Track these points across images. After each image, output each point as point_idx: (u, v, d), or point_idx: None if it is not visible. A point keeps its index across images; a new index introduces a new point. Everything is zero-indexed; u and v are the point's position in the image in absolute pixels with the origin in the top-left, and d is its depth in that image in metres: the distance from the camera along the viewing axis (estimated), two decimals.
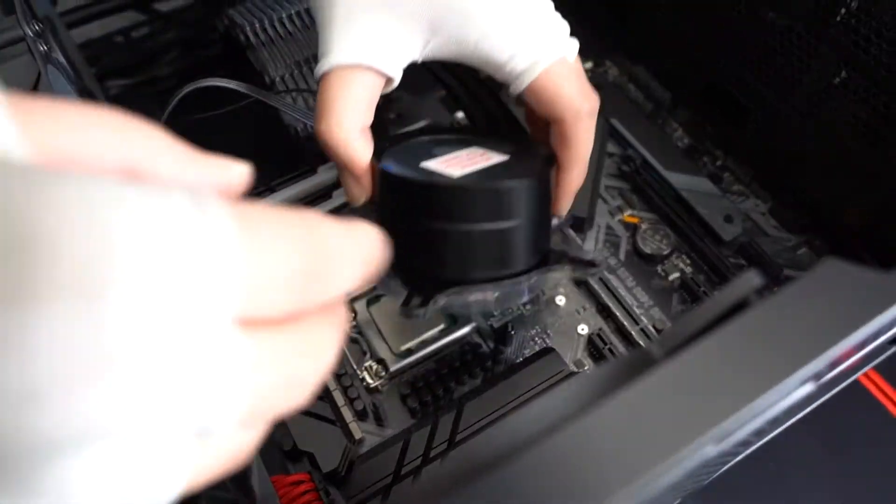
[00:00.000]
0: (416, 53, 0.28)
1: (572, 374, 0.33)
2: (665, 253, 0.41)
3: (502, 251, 0.27)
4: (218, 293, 0.11)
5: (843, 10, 0.35)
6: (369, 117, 0.28)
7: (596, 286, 0.40)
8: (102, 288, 0.10)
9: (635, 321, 0.38)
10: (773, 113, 0.41)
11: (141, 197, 0.11)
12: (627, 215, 0.43)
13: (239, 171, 0.15)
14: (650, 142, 0.44)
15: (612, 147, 0.45)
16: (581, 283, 0.40)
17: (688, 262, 0.41)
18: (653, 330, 0.38)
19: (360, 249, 0.15)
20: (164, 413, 0.11)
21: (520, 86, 0.28)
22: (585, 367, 0.38)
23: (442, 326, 0.38)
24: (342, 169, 0.28)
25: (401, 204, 0.28)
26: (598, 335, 0.38)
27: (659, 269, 0.41)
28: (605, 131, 0.44)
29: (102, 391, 0.10)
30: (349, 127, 0.27)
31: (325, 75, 0.27)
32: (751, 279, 0.18)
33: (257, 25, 0.38)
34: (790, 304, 0.17)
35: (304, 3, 0.41)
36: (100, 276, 0.10)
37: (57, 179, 0.11)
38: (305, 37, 0.38)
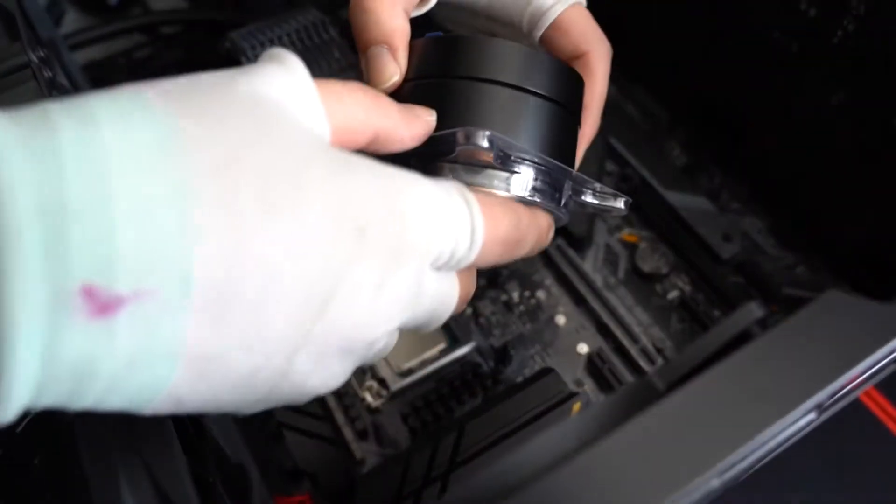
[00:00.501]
0: None
1: (573, 394, 0.33)
2: (664, 272, 0.41)
3: (550, 129, 0.26)
4: (476, 243, 0.21)
5: (839, 32, 0.35)
6: (410, 8, 0.27)
7: (595, 305, 0.40)
8: (427, 251, 0.19)
9: (634, 340, 0.38)
10: (771, 132, 0.42)
11: (440, 196, 0.20)
12: (626, 234, 0.43)
13: (427, 118, 0.23)
14: (648, 160, 0.44)
15: (610, 165, 0.45)
16: (581, 302, 0.40)
17: (687, 280, 0.41)
18: (652, 349, 0.38)
19: (541, 228, 0.25)
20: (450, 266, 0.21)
21: (552, 15, 0.29)
22: (585, 387, 0.38)
23: (442, 346, 0.38)
24: (378, 44, 0.26)
25: (448, 67, 0.25)
26: (598, 354, 0.38)
27: (658, 287, 0.41)
28: (604, 150, 0.45)
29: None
30: None
31: None
32: (752, 311, 0.18)
33: (259, 49, 0.38)
34: (792, 337, 0.17)
35: (304, 20, 0.41)
36: (431, 246, 0.19)
37: (407, 177, 0.19)
38: (307, 64, 0.38)
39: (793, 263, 0.42)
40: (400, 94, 0.26)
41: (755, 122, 0.43)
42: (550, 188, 0.26)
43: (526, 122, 0.25)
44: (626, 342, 0.38)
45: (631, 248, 0.42)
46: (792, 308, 0.40)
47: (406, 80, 0.26)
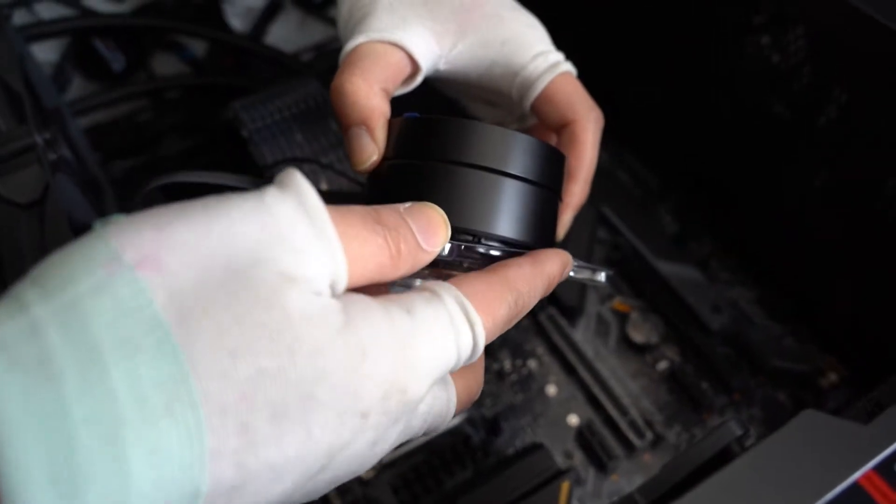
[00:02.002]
0: (445, 52, 0.30)
1: (561, 472, 0.33)
2: (654, 342, 0.42)
3: (525, 211, 0.26)
4: (478, 344, 0.21)
5: (822, 118, 0.36)
6: (392, 87, 0.28)
7: (585, 376, 0.40)
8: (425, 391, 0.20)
9: (624, 413, 0.39)
10: (760, 204, 0.43)
11: (446, 339, 0.20)
12: (617, 303, 0.44)
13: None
14: (639, 228, 0.45)
15: (602, 233, 0.46)
16: (571, 372, 0.41)
17: (676, 351, 0.42)
18: (641, 422, 0.39)
19: (543, 278, 0.24)
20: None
21: (541, 85, 0.30)
22: (574, 459, 0.38)
23: None
24: (357, 125, 0.26)
25: (425, 149, 0.26)
26: (588, 427, 0.38)
27: (648, 358, 0.42)
28: (595, 218, 0.46)
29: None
30: (373, 80, 0.27)
31: (356, 46, 0.28)
32: (731, 430, 0.18)
33: (259, 123, 0.39)
34: (769, 460, 0.18)
35: (304, 92, 0.42)
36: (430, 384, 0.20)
37: (415, 337, 0.19)
38: (305, 137, 0.39)
39: (781, 334, 0.43)
40: (379, 173, 0.27)
41: (744, 194, 0.44)
42: None
43: (499, 204, 0.25)
44: (615, 414, 0.39)
45: (622, 317, 0.43)
46: (778, 381, 0.41)
47: (385, 158, 0.27)
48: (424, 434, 0.22)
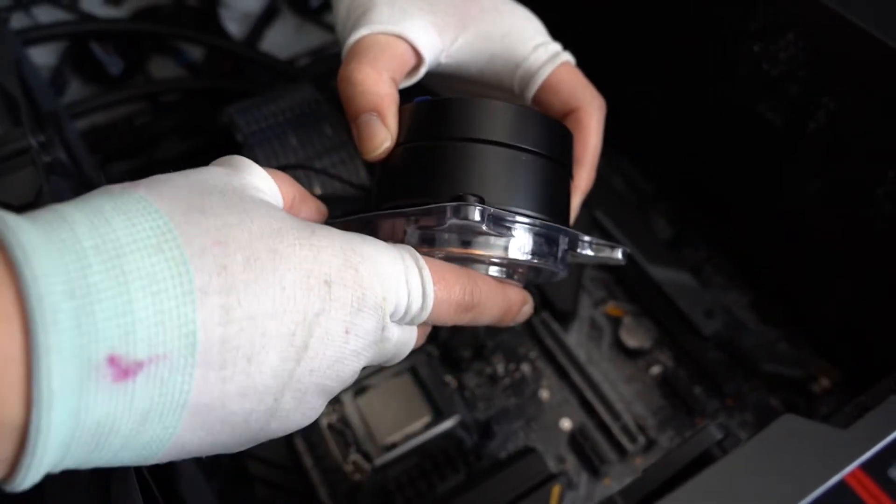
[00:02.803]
0: (446, 45, 0.30)
1: (552, 476, 0.34)
2: (647, 347, 0.42)
3: (543, 184, 0.26)
4: (427, 303, 0.24)
5: (812, 124, 0.36)
6: (398, 77, 0.28)
7: (578, 380, 0.40)
8: (384, 305, 0.22)
9: (616, 417, 0.39)
10: (754, 210, 0.43)
11: (391, 256, 0.23)
12: (611, 307, 0.44)
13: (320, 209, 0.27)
14: (633, 234, 0.45)
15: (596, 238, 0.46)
16: (564, 377, 0.41)
17: (669, 355, 0.42)
18: (634, 426, 0.39)
19: (510, 301, 0.27)
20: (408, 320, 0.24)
21: (542, 75, 0.30)
22: (567, 463, 0.38)
23: (427, 420, 0.38)
24: (368, 112, 0.27)
25: (440, 129, 0.26)
26: (581, 431, 0.38)
27: (641, 362, 0.42)
28: (590, 223, 0.46)
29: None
30: (381, 68, 0.27)
31: (360, 38, 0.28)
32: (712, 434, 0.18)
33: (254, 127, 0.40)
34: (748, 463, 0.18)
35: (299, 97, 0.42)
36: (385, 302, 0.22)
37: (361, 239, 0.23)
38: (300, 141, 0.40)
39: (774, 339, 0.43)
40: (391, 159, 0.27)
41: (738, 200, 0.44)
42: (546, 246, 0.26)
43: (517, 179, 0.25)
44: (607, 419, 0.39)
45: (615, 321, 0.43)
46: (771, 386, 0.41)
47: (397, 144, 0.27)
48: (389, 362, 0.25)
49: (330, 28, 0.54)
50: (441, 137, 0.25)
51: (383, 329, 0.23)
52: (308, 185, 0.38)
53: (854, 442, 0.19)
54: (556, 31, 0.33)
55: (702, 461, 0.19)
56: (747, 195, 0.43)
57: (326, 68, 0.50)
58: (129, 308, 0.17)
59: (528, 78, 0.30)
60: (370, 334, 0.22)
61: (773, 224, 0.42)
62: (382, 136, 0.26)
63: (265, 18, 0.52)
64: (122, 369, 0.16)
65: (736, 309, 0.44)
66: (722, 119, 0.42)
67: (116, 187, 0.20)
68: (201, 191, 0.20)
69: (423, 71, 0.30)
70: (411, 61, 0.29)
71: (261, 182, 0.23)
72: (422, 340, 0.26)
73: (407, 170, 0.26)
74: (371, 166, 0.29)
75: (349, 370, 0.22)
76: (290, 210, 0.24)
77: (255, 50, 0.51)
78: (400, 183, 0.26)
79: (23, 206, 0.29)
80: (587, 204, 0.47)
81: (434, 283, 0.23)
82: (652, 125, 0.48)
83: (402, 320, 0.24)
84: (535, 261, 0.26)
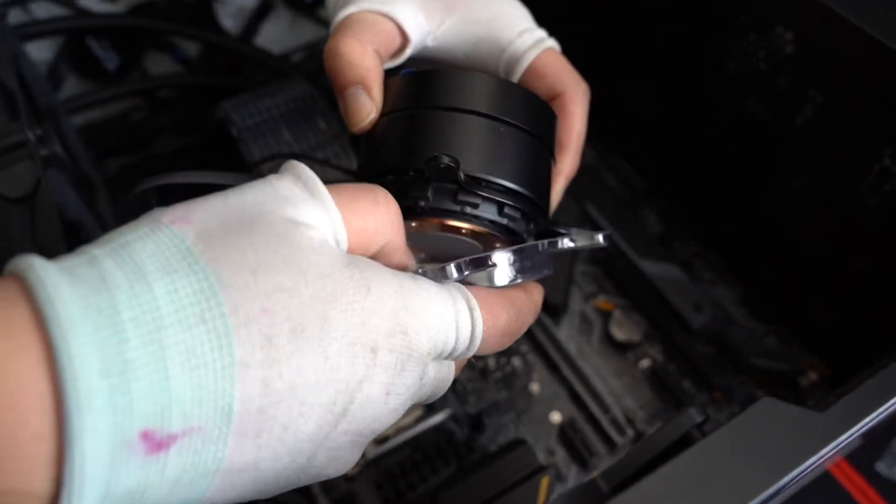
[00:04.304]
0: (433, 28, 0.30)
1: (541, 468, 0.34)
2: (637, 341, 0.42)
3: (519, 158, 0.26)
4: (475, 343, 0.23)
5: (799, 118, 0.37)
6: (384, 53, 0.28)
7: (568, 374, 0.41)
8: (428, 357, 0.21)
9: (605, 410, 0.39)
10: (743, 206, 0.43)
11: (443, 303, 0.22)
12: (601, 301, 0.44)
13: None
14: (624, 228, 0.46)
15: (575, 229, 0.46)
16: (555, 370, 0.41)
17: (659, 349, 0.42)
18: (623, 419, 0.39)
19: (537, 305, 0.27)
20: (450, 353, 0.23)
21: (527, 59, 0.30)
22: (556, 456, 0.38)
23: (418, 413, 0.39)
24: (353, 84, 0.27)
25: (424, 99, 0.26)
26: (570, 424, 0.39)
27: (630, 356, 0.42)
28: (580, 216, 0.46)
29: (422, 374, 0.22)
30: (367, 42, 0.27)
31: (348, 15, 0.28)
32: (692, 417, 0.19)
33: (248, 122, 0.40)
34: (726, 444, 0.18)
35: (293, 92, 0.43)
36: (429, 354, 0.21)
37: (414, 290, 0.21)
38: (294, 136, 0.40)
39: (763, 334, 0.43)
40: (376, 130, 0.27)
41: (728, 196, 0.44)
42: (523, 220, 0.26)
43: (495, 149, 0.25)
44: (597, 412, 0.39)
45: (605, 315, 0.44)
46: (759, 380, 0.41)
47: (381, 115, 0.27)
48: (428, 401, 0.24)
49: (325, 23, 0.54)
50: (422, 106, 0.26)
51: (422, 376, 0.22)
52: None
53: (831, 425, 0.19)
54: (546, 27, 0.34)
55: (682, 443, 0.19)
56: (736, 191, 0.43)
57: (321, 63, 0.50)
58: (166, 385, 0.16)
59: (514, 62, 0.31)
60: (410, 389, 0.21)
61: (762, 219, 0.42)
62: (368, 108, 0.27)
63: (260, 13, 0.52)
64: (156, 443, 0.16)
65: (725, 303, 0.44)
66: (711, 114, 0.42)
67: (166, 218, 0.19)
68: (256, 237, 0.19)
69: (408, 52, 0.30)
70: (397, 40, 0.29)
71: (327, 216, 0.21)
72: (458, 372, 0.26)
73: (388, 139, 0.27)
74: (358, 142, 0.29)
75: (385, 425, 0.21)
76: (358, 247, 0.22)
77: (250, 45, 0.51)
78: (381, 151, 0.26)
79: (20, 199, 0.29)
80: (576, 198, 0.48)
81: (483, 319, 0.23)
82: (643, 121, 0.49)
83: (442, 356, 0.23)
84: (512, 227, 0.26)
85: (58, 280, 0.16)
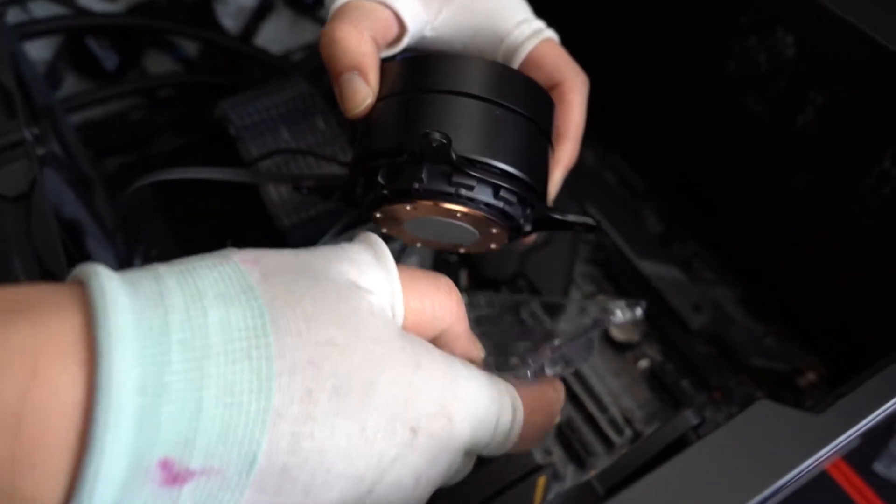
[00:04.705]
0: (431, 18, 0.30)
1: (538, 467, 0.34)
2: (636, 340, 0.42)
3: (515, 142, 0.26)
4: (508, 443, 0.22)
5: (800, 118, 0.37)
6: (380, 41, 0.28)
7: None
8: (465, 445, 0.21)
9: (603, 410, 0.39)
10: (743, 206, 0.43)
11: (491, 399, 0.21)
12: (600, 300, 0.44)
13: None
14: (623, 229, 0.46)
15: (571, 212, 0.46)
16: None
17: (658, 349, 0.42)
18: (621, 419, 0.39)
19: (562, 404, 0.25)
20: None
21: (525, 49, 0.30)
22: (553, 456, 0.38)
23: None
24: (349, 70, 0.27)
25: (420, 82, 0.26)
26: (568, 424, 0.39)
27: (629, 355, 0.42)
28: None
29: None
30: (363, 28, 0.27)
31: (345, 3, 0.28)
32: (687, 419, 0.19)
33: (247, 121, 0.40)
34: (722, 447, 0.18)
35: (292, 92, 0.43)
36: (470, 442, 0.21)
37: (465, 377, 0.21)
38: (292, 135, 0.40)
39: (762, 334, 0.43)
40: (371, 114, 0.27)
41: (728, 196, 0.44)
42: (519, 204, 0.26)
43: (490, 132, 0.25)
44: (595, 412, 0.39)
45: None
46: (758, 380, 0.41)
47: (378, 100, 0.27)
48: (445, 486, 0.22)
49: (324, 23, 0.54)
50: (417, 90, 0.26)
51: (451, 467, 0.21)
52: (299, 168, 0.39)
53: (827, 427, 0.19)
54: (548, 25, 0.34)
55: (678, 445, 0.19)
56: (736, 191, 0.43)
57: (320, 63, 0.50)
58: (197, 416, 0.16)
59: (511, 53, 0.31)
60: (439, 478, 0.20)
61: (762, 220, 0.42)
62: (364, 93, 0.26)
63: (260, 13, 0.52)
64: (173, 475, 0.16)
65: (724, 304, 0.44)
66: (712, 114, 0.42)
67: (236, 257, 0.19)
68: (317, 289, 0.18)
69: (405, 41, 0.30)
70: (394, 28, 0.29)
71: (389, 285, 0.21)
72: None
73: (383, 122, 0.26)
74: (354, 130, 0.29)
75: None
76: (414, 327, 0.21)
77: (249, 45, 0.51)
78: (376, 135, 0.26)
79: (17, 197, 0.29)
80: (577, 199, 0.48)
81: (523, 419, 0.22)
82: (643, 121, 0.49)
83: (475, 451, 0.22)
84: (508, 210, 0.25)
85: (118, 291, 0.16)
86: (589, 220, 0.28)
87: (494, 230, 0.27)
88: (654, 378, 0.41)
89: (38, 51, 0.47)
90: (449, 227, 0.27)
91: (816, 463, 0.19)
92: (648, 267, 0.44)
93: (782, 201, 0.40)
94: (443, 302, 0.22)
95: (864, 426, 0.19)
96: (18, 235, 0.28)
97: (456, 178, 0.24)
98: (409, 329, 0.21)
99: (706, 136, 0.44)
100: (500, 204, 0.25)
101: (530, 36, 0.30)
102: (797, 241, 0.41)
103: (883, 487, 0.41)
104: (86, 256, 0.35)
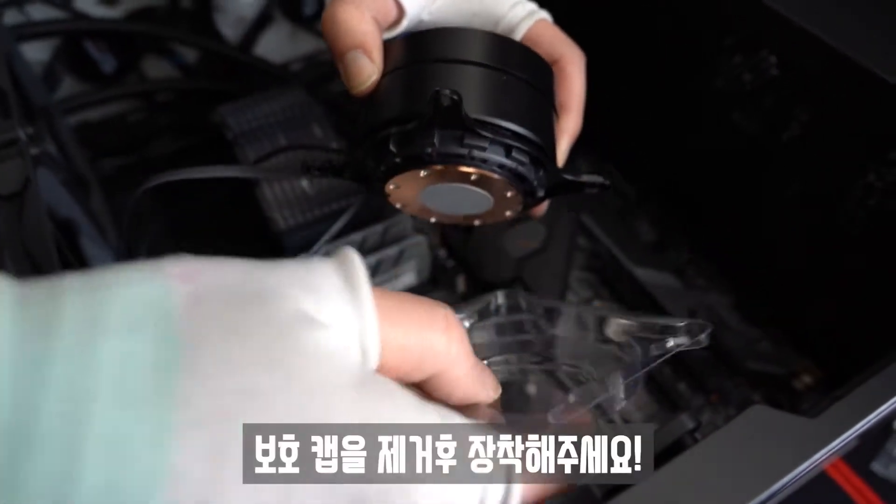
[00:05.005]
0: (429, 3, 0.30)
1: None
2: None
3: (523, 106, 0.26)
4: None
5: (785, 135, 0.37)
6: (381, 21, 0.28)
7: (564, 376, 0.41)
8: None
9: (602, 412, 0.39)
10: (735, 214, 0.44)
11: (478, 475, 0.17)
12: (597, 306, 0.44)
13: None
14: (618, 237, 0.46)
15: (581, 241, 0.47)
16: (551, 372, 0.41)
17: None
18: (619, 421, 0.39)
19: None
20: None
21: (521, 30, 0.31)
22: None
23: None
24: (353, 48, 0.27)
25: (425, 53, 0.26)
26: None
27: None
28: (576, 225, 0.46)
29: None
30: (364, 8, 0.27)
31: None
32: (683, 423, 0.19)
33: (245, 127, 0.40)
34: (718, 451, 0.18)
35: (291, 99, 0.43)
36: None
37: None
38: (289, 141, 0.40)
39: (757, 338, 0.43)
40: (378, 89, 0.27)
41: (719, 206, 0.44)
42: (532, 166, 0.26)
43: (499, 96, 0.25)
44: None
45: (601, 321, 0.43)
46: (754, 383, 0.41)
47: (382, 76, 0.27)
48: None
49: (321, 36, 0.54)
50: (423, 61, 0.26)
51: None
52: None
53: (822, 431, 0.19)
54: None
55: (674, 450, 0.19)
56: (728, 201, 0.44)
57: (319, 73, 0.50)
58: (76, 472, 0.13)
59: (508, 34, 0.31)
60: None
61: (753, 228, 0.42)
62: (369, 70, 0.27)
63: (259, 24, 0.52)
64: None
65: (718, 309, 0.44)
66: (701, 128, 0.43)
67: (173, 270, 0.15)
68: (252, 320, 0.15)
69: (404, 24, 0.30)
70: (392, 11, 0.29)
71: (358, 318, 0.17)
72: None
73: (389, 94, 0.27)
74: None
75: None
76: (397, 369, 0.17)
77: (248, 54, 0.51)
78: (383, 106, 0.26)
79: (9, 196, 0.29)
80: (573, 207, 0.48)
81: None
82: (636, 134, 0.49)
83: None
84: (521, 171, 0.25)
85: (2, 315, 0.13)
86: (600, 179, 0.28)
87: (509, 193, 0.27)
88: (651, 381, 0.41)
89: (36, 52, 0.47)
90: (463, 194, 0.27)
91: (812, 467, 0.19)
92: (643, 274, 0.44)
93: (773, 211, 0.41)
94: (436, 340, 0.18)
95: (858, 430, 0.19)
96: (10, 234, 0.28)
97: (468, 140, 0.24)
98: (389, 370, 0.17)
99: (697, 149, 0.44)
100: (513, 164, 0.25)
101: (525, 17, 0.31)
102: (789, 248, 0.41)
103: (882, 487, 0.41)
104: (80, 256, 0.35)
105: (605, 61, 0.47)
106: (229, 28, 0.52)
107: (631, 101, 0.48)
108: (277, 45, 0.54)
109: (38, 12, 0.46)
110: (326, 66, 0.52)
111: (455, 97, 0.23)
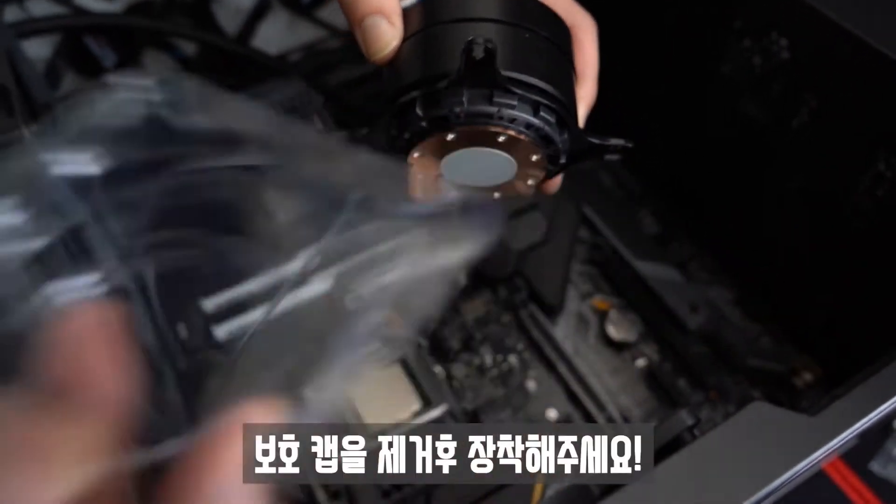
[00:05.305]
0: None
1: None
2: (633, 340, 0.42)
3: (548, 63, 0.26)
4: None
5: (794, 122, 0.37)
6: None
7: (565, 372, 0.41)
8: None
9: (601, 408, 0.40)
10: (738, 208, 0.43)
11: None
12: (597, 300, 0.44)
13: None
14: (620, 229, 0.46)
15: (583, 233, 0.47)
16: (551, 368, 0.41)
17: (655, 349, 0.42)
18: (619, 418, 0.39)
19: None
20: None
21: None
22: None
23: (415, 408, 0.39)
24: (372, 14, 0.26)
25: (445, 15, 0.26)
26: (566, 421, 0.39)
27: (626, 355, 0.42)
28: (578, 217, 0.46)
29: None
30: None
31: None
32: (683, 420, 0.19)
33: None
34: (717, 448, 0.18)
35: (289, 92, 0.43)
36: None
37: None
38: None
39: (758, 334, 0.43)
40: (399, 53, 0.26)
41: (723, 198, 0.44)
42: (558, 127, 0.26)
43: (525, 51, 0.25)
44: (593, 410, 0.39)
45: (601, 315, 0.44)
46: (754, 380, 0.41)
47: (402, 42, 0.26)
48: None
49: (321, 23, 0.54)
50: (443, 22, 0.26)
51: None
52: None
53: (822, 429, 0.19)
54: None
55: (673, 446, 0.19)
56: (732, 193, 0.44)
57: (318, 63, 0.50)
58: None
59: None
60: None
61: (757, 222, 0.42)
62: (390, 34, 0.26)
63: (257, 14, 0.52)
64: None
65: (720, 304, 0.44)
66: (707, 116, 0.42)
67: None
68: None
69: None
70: None
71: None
72: None
73: (412, 57, 0.26)
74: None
75: None
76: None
77: (247, 46, 0.51)
78: (406, 70, 0.26)
79: None
80: (575, 199, 0.48)
81: None
82: (639, 123, 0.49)
83: None
84: (547, 132, 0.25)
85: None
86: (623, 142, 0.28)
87: (534, 157, 0.26)
88: (651, 377, 0.41)
89: (37, 49, 0.47)
90: (488, 160, 0.26)
91: (810, 465, 0.19)
92: (645, 267, 0.44)
93: (778, 203, 0.40)
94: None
95: (858, 428, 0.20)
96: None
97: (497, 98, 0.24)
98: None
99: (702, 139, 0.44)
100: (541, 124, 0.25)
101: None
102: (793, 242, 0.41)
103: (880, 487, 0.41)
104: (85, 250, 0.36)
105: (609, 48, 0.47)
106: (228, 19, 0.52)
107: (635, 91, 0.47)
108: (276, 34, 0.53)
109: (39, 7, 0.46)
110: (326, 56, 0.52)
111: (490, 45, 0.23)
